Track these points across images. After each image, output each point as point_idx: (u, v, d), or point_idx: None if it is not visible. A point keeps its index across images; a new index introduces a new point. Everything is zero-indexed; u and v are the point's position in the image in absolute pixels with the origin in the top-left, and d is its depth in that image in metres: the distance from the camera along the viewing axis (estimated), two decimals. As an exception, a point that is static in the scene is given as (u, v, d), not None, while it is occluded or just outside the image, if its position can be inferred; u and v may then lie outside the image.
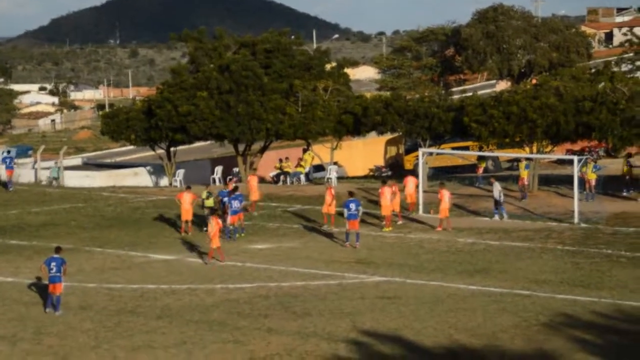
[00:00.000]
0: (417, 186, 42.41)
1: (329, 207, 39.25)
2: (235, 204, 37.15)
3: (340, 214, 38.07)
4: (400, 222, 39.91)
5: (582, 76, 49.39)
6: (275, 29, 60.63)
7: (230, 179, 46.50)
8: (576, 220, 38.88)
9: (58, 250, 27.14)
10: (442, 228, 38.05)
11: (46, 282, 26.69)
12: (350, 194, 37.91)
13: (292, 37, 62.68)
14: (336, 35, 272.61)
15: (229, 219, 37.04)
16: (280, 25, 62.81)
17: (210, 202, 39.52)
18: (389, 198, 38.62)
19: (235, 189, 39.04)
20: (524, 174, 45.45)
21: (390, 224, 38.79)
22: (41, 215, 45.33)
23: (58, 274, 26.23)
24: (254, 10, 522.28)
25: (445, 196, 38.43)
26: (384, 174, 65.85)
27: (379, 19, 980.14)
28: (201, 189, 42.34)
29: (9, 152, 68.71)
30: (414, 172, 46.88)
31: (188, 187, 41.20)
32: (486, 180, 48.72)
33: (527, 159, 46.24)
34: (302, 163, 56.43)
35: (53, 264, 26.32)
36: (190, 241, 37.03)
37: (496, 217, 40.28)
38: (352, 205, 35.40)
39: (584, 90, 46.14)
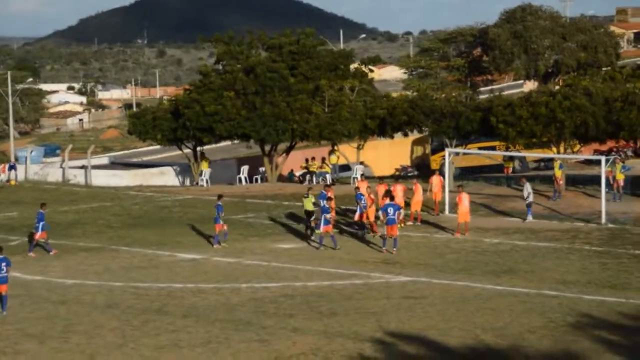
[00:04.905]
0: (442, 186, 42.25)
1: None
2: (328, 215, 35.19)
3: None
4: (409, 223, 39.66)
5: (616, 75, 48.85)
6: (298, 29, 60.37)
7: (329, 186, 41.77)
8: (603, 220, 38.68)
9: (0, 250, 27.03)
10: (460, 233, 37.27)
11: None
12: (391, 198, 35.81)
13: (319, 37, 62.63)
14: (363, 35, 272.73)
15: (322, 227, 35.09)
16: (307, 25, 62.58)
17: (308, 203, 37.76)
18: (401, 196, 38.81)
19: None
20: (558, 173, 44.99)
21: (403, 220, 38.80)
22: (69, 214, 45.61)
23: (6, 275, 26.34)
24: (282, 10, 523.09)
25: (465, 200, 37.52)
26: (409, 174, 65.74)
27: (405, 19, 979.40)
28: (225, 188, 42.22)
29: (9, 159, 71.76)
30: (440, 172, 46.64)
31: (327, 186, 39.84)
32: (514, 180, 48.51)
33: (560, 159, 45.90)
34: (327, 162, 56.49)
35: (3, 264, 26.35)
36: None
37: (529, 218, 39.82)
38: (391, 210, 34.09)
39: (614, 92, 45.72)
